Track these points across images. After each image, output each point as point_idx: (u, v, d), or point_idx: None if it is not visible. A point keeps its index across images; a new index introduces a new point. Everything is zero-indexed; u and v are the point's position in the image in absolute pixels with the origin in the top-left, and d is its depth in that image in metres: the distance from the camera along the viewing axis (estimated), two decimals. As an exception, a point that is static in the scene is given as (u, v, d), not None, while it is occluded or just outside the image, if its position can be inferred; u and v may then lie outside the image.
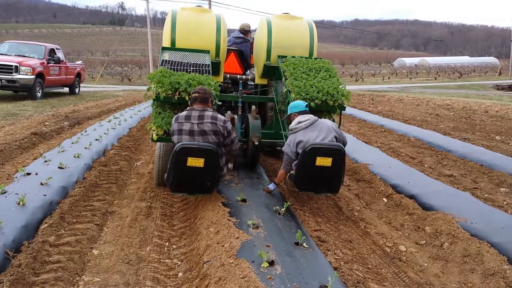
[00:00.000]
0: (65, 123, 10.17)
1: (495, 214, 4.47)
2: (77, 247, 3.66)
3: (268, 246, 3.37)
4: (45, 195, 4.40)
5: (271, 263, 3.05)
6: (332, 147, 4.38)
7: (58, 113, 11.39)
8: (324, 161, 4.32)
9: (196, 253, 3.55)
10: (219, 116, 4.52)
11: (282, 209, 4.21)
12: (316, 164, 4.31)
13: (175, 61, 5.53)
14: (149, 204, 4.90)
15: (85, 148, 6.70)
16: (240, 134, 6.03)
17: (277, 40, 6.19)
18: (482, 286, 3.33)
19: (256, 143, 5.57)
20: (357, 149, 7.71)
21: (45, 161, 5.71)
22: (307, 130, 4.56)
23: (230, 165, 5.39)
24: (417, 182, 5.60)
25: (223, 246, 3.38)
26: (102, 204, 4.77)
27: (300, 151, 4.47)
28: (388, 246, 4.04)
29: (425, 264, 3.69)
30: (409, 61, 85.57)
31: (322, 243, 3.80)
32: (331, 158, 4.32)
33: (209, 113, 4.44)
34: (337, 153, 4.37)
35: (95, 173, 5.76)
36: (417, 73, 57.02)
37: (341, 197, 5.41)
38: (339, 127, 4.99)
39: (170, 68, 5.26)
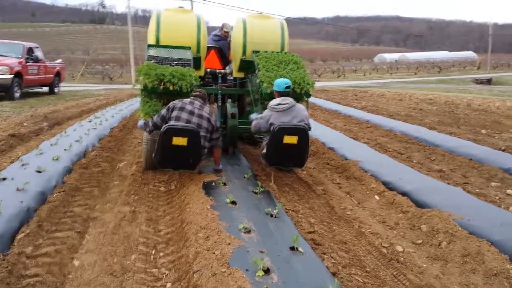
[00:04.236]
0: (44, 123, 9.82)
1: (491, 211, 4.36)
2: (57, 258, 3.43)
3: (262, 252, 3.17)
4: (21, 202, 4.12)
5: (267, 271, 2.86)
6: (297, 127, 5.06)
7: (37, 114, 10.99)
8: (290, 139, 5.01)
9: (185, 261, 3.34)
10: (213, 114, 5.46)
11: (274, 211, 4.03)
12: (284, 142, 5.00)
13: (160, 57, 5.99)
14: (133, 208, 4.66)
15: (65, 150, 6.41)
16: (220, 122, 6.51)
17: (252, 37, 6.78)
18: (485, 287, 3.20)
19: (230, 151, 6.72)
20: (345, 146, 7.57)
21: (23, 165, 5.42)
22: (283, 113, 5.18)
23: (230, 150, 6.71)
24: (409, 179, 5.47)
25: (214, 253, 3.18)
26: (83, 210, 4.53)
27: (271, 130, 5.12)
28: (384, 247, 3.89)
29: (424, 265, 3.55)
30: (390, 57, 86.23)
31: (318, 246, 3.63)
32: (297, 137, 5.01)
33: (207, 108, 5.39)
34: (302, 132, 5.06)
35: (76, 176, 5.50)
36: (397, 68, 57.44)
37: (333, 196, 5.26)
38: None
39: (156, 63, 5.75)
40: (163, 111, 5.22)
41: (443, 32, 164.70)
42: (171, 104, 5.24)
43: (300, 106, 5.39)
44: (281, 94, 5.34)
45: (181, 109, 5.14)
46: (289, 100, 5.25)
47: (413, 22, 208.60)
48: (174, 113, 5.11)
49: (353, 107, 14.88)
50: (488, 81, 37.65)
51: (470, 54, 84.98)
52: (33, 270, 3.18)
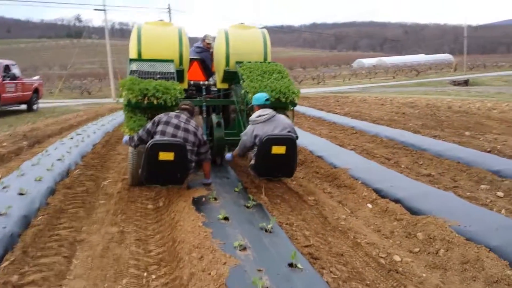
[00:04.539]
0: (24, 142, 9.56)
1: (486, 215, 4.34)
2: (44, 286, 3.27)
3: (260, 270, 3.06)
4: (4, 227, 3.93)
5: (266, 291, 2.76)
6: (285, 137, 5.09)
7: (16, 133, 10.73)
8: (279, 149, 5.01)
9: (179, 283, 3.21)
10: (200, 128, 5.37)
11: (268, 226, 3.92)
12: (272, 152, 5.00)
13: (143, 71, 5.93)
14: (121, 228, 4.51)
15: (47, 169, 6.20)
16: (206, 134, 6.44)
17: (234, 48, 6.78)
18: (488, 295, 3.14)
19: (218, 162, 6.77)
20: (333, 153, 7.51)
21: (4, 187, 5.20)
22: (265, 124, 5.22)
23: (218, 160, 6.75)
24: (400, 185, 5.43)
25: (210, 274, 3.06)
26: (69, 232, 4.35)
27: (257, 142, 5.13)
28: (381, 257, 3.82)
29: (424, 275, 3.48)
30: (367, 61, 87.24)
31: (316, 261, 3.54)
32: (285, 146, 5.01)
33: (194, 122, 5.29)
34: (290, 142, 5.06)
35: (59, 197, 5.31)
36: (375, 73, 58.06)
37: (325, 206, 5.18)
38: (292, 121, 5.75)
39: (139, 77, 5.68)
40: (149, 125, 5.12)
41: (419, 36, 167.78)
42: (156, 118, 5.14)
43: (281, 116, 5.43)
44: (261, 107, 5.42)
45: (167, 123, 5.05)
46: (269, 111, 5.34)
47: (389, 27, 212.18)
48: (160, 128, 5.01)
49: (336, 113, 14.90)
50: (465, 82, 38.27)
51: (446, 57, 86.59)
52: (19, 301, 3.01)
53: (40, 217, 4.53)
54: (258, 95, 5.53)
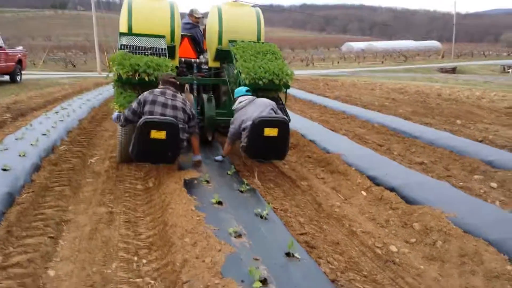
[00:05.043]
0: (7, 115, 9.27)
1: (483, 207, 4.28)
2: (30, 268, 3.11)
3: (256, 259, 2.95)
4: (-13, 205, 3.78)
5: (264, 282, 2.64)
6: (277, 119, 5.04)
7: (-2, 105, 10.39)
8: (271, 132, 4.94)
9: (172, 269, 3.08)
10: (187, 101, 5.22)
11: (264, 212, 3.80)
12: (264, 135, 4.94)
13: (133, 45, 5.75)
14: (109, 209, 4.36)
15: (32, 144, 5.99)
16: (197, 113, 6.22)
17: (228, 26, 6.60)
18: (487, 290, 3.09)
19: (210, 138, 6.75)
20: (325, 138, 7.40)
21: (-15, 163, 5.00)
22: (246, 108, 5.20)
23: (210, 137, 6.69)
24: (395, 173, 5.35)
25: (204, 261, 2.94)
26: (55, 212, 4.18)
27: (244, 125, 5.08)
28: (378, 247, 3.74)
29: (421, 267, 3.42)
30: (357, 45, 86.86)
31: (312, 250, 3.46)
32: (277, 129, 4.95)
33: (180, 95, 5.11)
34: (282, 124, 5.01)
35: (45, 174, 5.12)
36: (364, 57, 57.97)
37: (318, 192, 5.08)
38: (285, 103, 5.91)
39: (129, 52, 5.54)
40: (134, 105, 4.93)
41: (408, 21, 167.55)
42: (141, 97, 4.94)
43: (262, 99, 5.39)
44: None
45: (153, 102, 4.86)
46: (247, 97, 5.36)
47: (378, 11, 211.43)
48: (147, 108, 4.84)
49: (326, 97, 14.79)
50: (453, 70, 38.52)
51: (434, 44, 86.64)
52: (4, 283, 2.86)
53: (24, 195, 4.37)
54: (237, 89, 5.55)
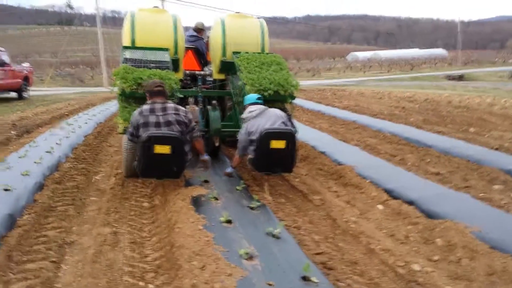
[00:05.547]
0: (12, 132, 9.15)
1: (509, 220, 4.04)
2: (29, 296, 2.91)
3: (270, 285, 2.74)
4: (-14, 228, 3.60)
5: (280, 310, 2.44)
6: (284, 131, 4.96)
7: (4, 122, 10.29)
8: (278, 144, 4.85)
9: (180, 295, 2.88)
10: (180, 107, 5.01)
11: (276, 231, 3.59)
12: (271, 147, 4.84)
13: (136, 59, 5.74)
14: (114, 229, 4.15)
15: (35, 162, 5.84)
16: (202, 125, 6.19)
17: (231, 38, 6.60)
18: (522, 313, 2.85)
19: (217, 144, 6.47)
20: (336, 149, 7.18)
21: (-13, 182, 4.83)
22: (256, 119, 5.07)
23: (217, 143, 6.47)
24: (412, 185, 5.12)
25: (214, 287, 2.73)
26: (58, 233, 3.98)
27: (253, 137, 4.97)
28: (399, 266, 3.50)
29: (447, 287, 3.18)
30: (362, 55, 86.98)
31: (330, 271, 3.23)
32: (284, 141, 4.86)
33: (170, 105, 4.89)
34: (289, 136, 4.92)
35: (48, 193, 4.94)
36: (370, 66, 57.89)
37: (332, 206, 4.85)
38: (291, 115, 5.63)
39: (132, 65, 5.50)
40: (130, 129, 4.87)
41: (412, 30, 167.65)
42: (133, 121, 4.82)
43: (272, 109, 5.30)
44: (252, 105, 5.33)
45: (145, 124, 4.74)
46: (259, 106, 5.25)
47: (382, 20, 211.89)
48: (141, 132, 4.73)
49: (335, 107, 14.59)
50: (460, 77, 38.25)
51: (440, 51, 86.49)
52: (0, 316, 2.67)
53: (26, 216, 4.18)
54: (248, 96, 5.43)
